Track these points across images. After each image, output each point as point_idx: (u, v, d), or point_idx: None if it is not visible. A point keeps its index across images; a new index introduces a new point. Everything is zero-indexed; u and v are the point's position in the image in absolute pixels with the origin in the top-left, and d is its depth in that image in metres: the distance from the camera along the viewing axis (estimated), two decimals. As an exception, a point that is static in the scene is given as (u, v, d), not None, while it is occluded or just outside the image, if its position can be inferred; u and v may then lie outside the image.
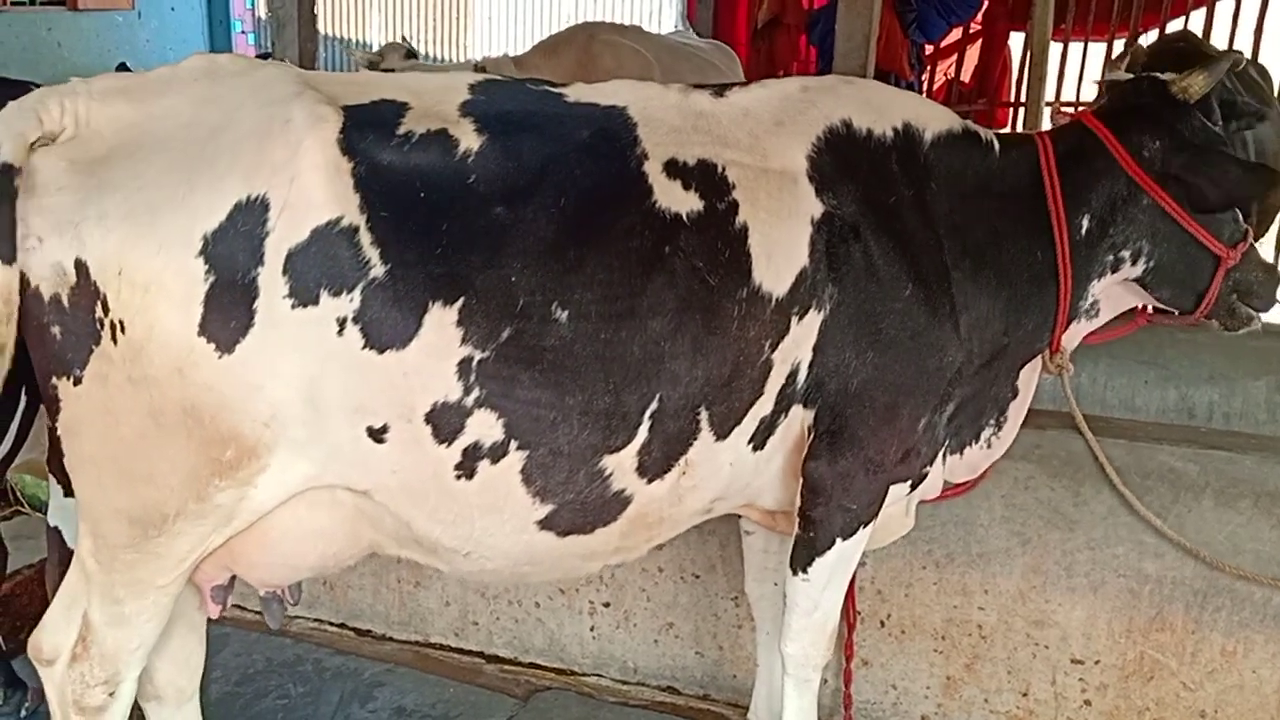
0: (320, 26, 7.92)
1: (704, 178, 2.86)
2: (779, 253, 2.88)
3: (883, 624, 4.09)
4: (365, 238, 2.53)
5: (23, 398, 3.19)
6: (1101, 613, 3.84)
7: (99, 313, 2.47)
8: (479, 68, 7.25)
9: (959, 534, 4.00)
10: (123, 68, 5.81)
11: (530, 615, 4.52)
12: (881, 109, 3.15)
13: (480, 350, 2.62)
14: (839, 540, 3.19)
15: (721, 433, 2.93)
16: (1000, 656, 3.98)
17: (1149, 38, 8.84)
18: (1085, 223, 3.24)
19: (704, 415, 2.88)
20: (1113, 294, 3.39)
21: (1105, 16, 9.74)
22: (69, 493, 3.75)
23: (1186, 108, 3.22)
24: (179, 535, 2.68)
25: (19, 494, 4.83)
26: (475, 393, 2.65)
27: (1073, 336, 3.43)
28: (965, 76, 10.41)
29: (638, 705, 4.33)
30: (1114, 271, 3.32)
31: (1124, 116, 3.27)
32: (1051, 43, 8.45)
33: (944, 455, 3.38)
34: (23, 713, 4.09)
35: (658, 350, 2.76)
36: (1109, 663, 3.87)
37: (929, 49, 10.06)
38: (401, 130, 2.65)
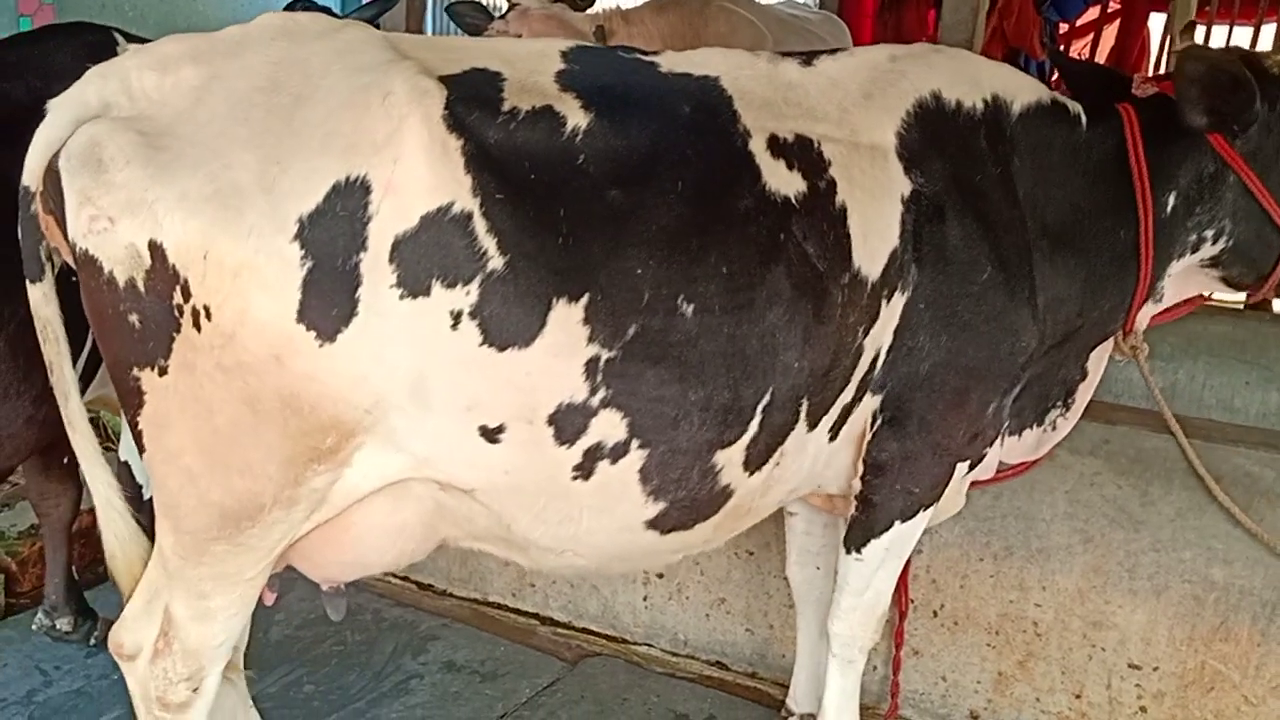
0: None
1: (803, 155, 2.73)
2: (874, 233, 2.78)
3: (935, 614, 4.00)
4: (480, 225, 2.34)
5: (90, 339, 3.27)
6: (1163, 618, 3.70)
7: (178, 298, 2.28)
8: (598, 26, 7.22)
9: (1019, 527, 3.88)
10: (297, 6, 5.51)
11: (585, 581, 4.54)
12: (974, 80, 3.04)
13: (607, 349, 2.48)
14: (898, 523, 3.14)
15: (813, 423, 2.85)
16: (1055, 655, 3.86)
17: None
18: (1171, 200, 3.15)
19: (804, 406, 2.79)
20: (1182, 276, 3.30)
21: (1253, -1, 9.32)
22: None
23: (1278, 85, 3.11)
24: (273, 525, 2.53)
25: (108, 430, 4.96)
26: (601, 393, 2.51)
27: (1142, 318, 3.32)
28: (1100, 59, 10.04)
29: (684, 678, 4.32)
30: (1194, 252, 3.24)
31: None
32: (1196, 26, 8.11)
33: (1002, 436, 3.28)
34: (92, 641, 4.23)
35: (773, 342, 2.65)
36: (1168, 670, 3.72)
37: (1064, 28, 9.74)
38: (506, 106, 2.46)
